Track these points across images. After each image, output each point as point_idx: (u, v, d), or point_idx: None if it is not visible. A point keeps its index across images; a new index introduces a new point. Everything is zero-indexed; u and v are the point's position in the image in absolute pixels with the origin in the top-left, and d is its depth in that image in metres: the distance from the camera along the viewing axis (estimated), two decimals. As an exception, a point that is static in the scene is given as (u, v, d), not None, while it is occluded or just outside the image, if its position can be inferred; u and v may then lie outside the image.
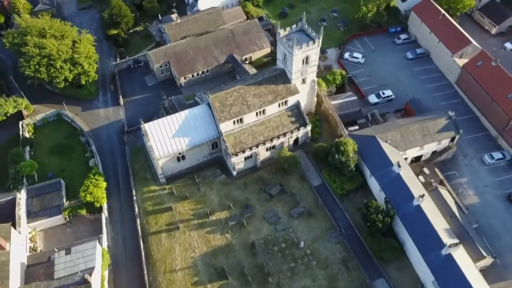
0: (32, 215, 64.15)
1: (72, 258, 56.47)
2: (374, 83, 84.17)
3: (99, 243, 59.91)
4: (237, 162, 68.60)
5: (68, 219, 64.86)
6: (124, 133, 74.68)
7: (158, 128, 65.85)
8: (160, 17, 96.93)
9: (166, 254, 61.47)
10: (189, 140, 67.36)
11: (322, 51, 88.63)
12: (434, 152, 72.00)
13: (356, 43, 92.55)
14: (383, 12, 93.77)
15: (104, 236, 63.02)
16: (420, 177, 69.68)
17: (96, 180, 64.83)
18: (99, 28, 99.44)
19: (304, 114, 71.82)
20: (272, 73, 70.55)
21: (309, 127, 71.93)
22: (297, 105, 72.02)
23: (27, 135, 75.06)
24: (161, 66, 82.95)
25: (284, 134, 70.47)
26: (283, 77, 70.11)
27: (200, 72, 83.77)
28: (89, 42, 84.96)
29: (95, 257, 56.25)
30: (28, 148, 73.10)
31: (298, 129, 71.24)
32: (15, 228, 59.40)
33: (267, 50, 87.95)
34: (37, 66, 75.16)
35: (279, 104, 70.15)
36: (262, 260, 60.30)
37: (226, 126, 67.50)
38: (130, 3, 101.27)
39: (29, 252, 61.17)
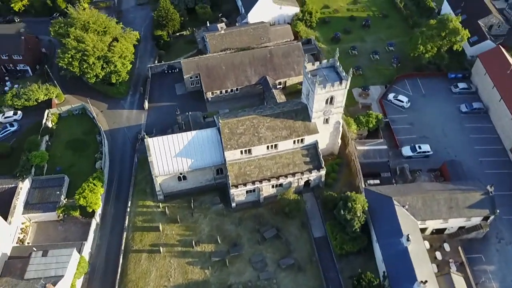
0: (29, 206, 65.22)
1: (46, 261, 56.36)
2: (414, 132, 75.42)
3: (79, 250, 59.44)
4: (237, 194, 64.61)
5: (61, 217, 65.12)
6: (138, 140, 73.66)
7: (162, 144, 63.73)
8: (208, 24, 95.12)
9: (141, 276, 59.37)
10: (192, 162, 64.54)
11: (365, 88, 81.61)
12: (461, 228, 62.60)
13: (406, 84, 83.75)
14: (444, 54, 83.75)
15: (89, 242, 62.43)
16: (438, 253, 61.00)
17: (94, 185, 64.35)
18: (150, 26, 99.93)
19: (321, 156, 65.85)
20: (293, 107, 65.41)
21: (323, 172, 65.86)
22: (314, 145, 66.24)
23: (50, 125, 76.88)
24: (191, 77, 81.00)
25: (294, 174, 65.12)
26: (303, 114, 64.67)
27: (229, 90, 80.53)
28: (130, 41, 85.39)
29: (67, 266, 55.54)
30: (47, 137, 74.81)
31: (311, 171, 65.45)
32: (6, 219, 60.62)
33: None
34: (70, 59, 76.56)
35: (295, 141, 64.89)
36: (235, 307, 56.14)
37: (232, 155, 63.73)
38: (183, 6, 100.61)
39: (16, 243, 62.19)
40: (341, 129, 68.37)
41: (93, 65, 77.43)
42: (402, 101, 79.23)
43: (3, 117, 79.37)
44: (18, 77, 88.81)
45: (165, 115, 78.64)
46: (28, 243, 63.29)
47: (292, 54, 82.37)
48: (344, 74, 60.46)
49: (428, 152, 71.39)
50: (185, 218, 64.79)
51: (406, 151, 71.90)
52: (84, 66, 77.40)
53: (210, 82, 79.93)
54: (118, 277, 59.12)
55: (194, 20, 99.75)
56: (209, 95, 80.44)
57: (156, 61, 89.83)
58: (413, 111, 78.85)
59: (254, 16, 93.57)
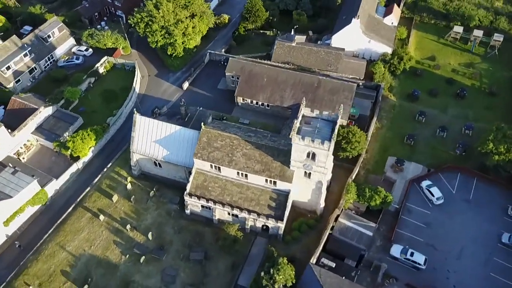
0: (40, 129, 73.45)
1: (10, 179, 63.63)
2: (424, 236, 61.86)
3: (44, 184, 65.41)
4: (192, 204, 62.63)
5: (56, 150, 72.00)
6: (153, 113, 76.07)
7: (147, 126, 64.76)
8: (292, 32, 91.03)
9: (74, 230, 62.78)
10: (167, 155, 64.46)
11: (399, 161, 69.39)
12: None
13: (456, 179, 68.29)
14: (520, 164, 65.68)
15: (60, 182, 68.17)
16: None
17: (88, 135, 69.34)
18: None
19: (288, 208, 59.25)
20: (279, 146, 59.47)
21: (281, 225, 59.26)
22: (286, 194, 59.67)
23: (101, 70, 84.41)
24: (232, 76, 79.50)
25: (251, 212, 60.07)
26: (285, 157, 58.36)
27: (260, 103, 76.84)
28: (206, 23, 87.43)
29: (20, 191, 61.83)
30: (92, 80, 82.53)
31: (268, 218, 59.50)
32: (11, 132, 69.65)
33: (342, 122, 73.58)
34: (139, 20, 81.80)
35: (267, 179, 59.37)
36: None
37: (201, 164, 61.60)
38: (283, 6, 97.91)
39: (14, 154, 71.15)
40: (324, 191, 60.03)
41: (155, 32, 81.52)
42: (434, 195, 65.24)
43: (76, 49, 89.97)
44: (113, 21, 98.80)
45: (196, 102, 78.87)
46: (23, 158, 71.92)
47: (341, 93, 74.01)
48: (333, 135, 51.97)
49: (419, 264, 58.08)
50: (139, 201, 65.72)
51: (395, 250, 59.67)
52: (147, 30, 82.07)
53: (245, 88, 77.30)
54: (58, 222, 63.48)
55: (287, 23, 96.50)
56: (240, 100, 78.10)
57: (223, 50, 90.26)
58: (440, 212, 64.43)
59: (338, 40, 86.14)
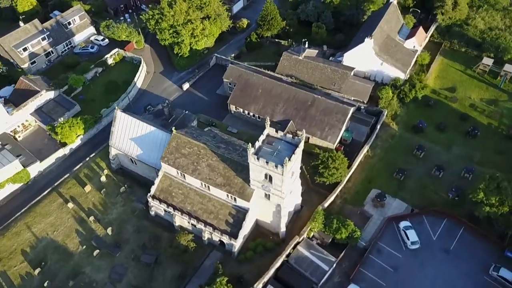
0: (38, 111, 76.69)
1: (-7, 154, 66.97)
2: (386, 279, 57.22)
3: (26, 165, 68.31)
4: (155, 206, 62.54)
5: (49, 133, 74.86)
6: (145, 110, 76.88)
7: (127, 122, 65.41)
8: (305, 44, 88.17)
9: (43, 213, 64.91)
10: (140, 154, 64.89)
11: (381, 196, 64.92)
12: None
13: (440, 225, 62.54)
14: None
15: (44, 164, 71.03)
16: None
17: (77, 123, 71.49)
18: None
19: (245, 227, 57.38)
20: (245, 161, 57.43)
21: (235, 243, 57.51)
22: (245, 212, 57.77)
23: (109, 61, 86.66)
24: (229, 83, 78.44)
25: (208, 225, 58.88)
26: (248, 174, 56.34)
27: (251, 114, 75.16)
28: (219, 26, 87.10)
29: (0, 168, 64.99)
30: (99, 69, 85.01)
31: (222, 234, 58.02)
32: (9, 111, 73.35)
33: (329, 145, 70.19)
34: (151, 16, 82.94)
35: (228, 194, 57.84)
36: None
37: (168, 169, 61.25)
38: (304, 17, 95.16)
39: (11, 131, 74.92)
40: (285, 215, 57.43)
41: (164, 30, 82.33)
42: (409, 239, 60.32)
43: (94, 38, 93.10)
44: (138, 14, 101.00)
45: (191, 105, 79.03)
46: (19, 136, 75.53)
47: (333, 115, 70.61)
48: (285, 161, 49.13)
49: (373, 313, 54.03)
50: (109, 195, 66.69)
51: (351, 290, 55.94)
52: (157, 27, 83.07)
53: (239, 97, 76.00)
54: (30, 203, 65.94)
55: (305, 35, 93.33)
56: (232, 107, 76.92)
57: (233, 55, 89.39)
58: (412, 258, 59.37)
59: (350, 59, 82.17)
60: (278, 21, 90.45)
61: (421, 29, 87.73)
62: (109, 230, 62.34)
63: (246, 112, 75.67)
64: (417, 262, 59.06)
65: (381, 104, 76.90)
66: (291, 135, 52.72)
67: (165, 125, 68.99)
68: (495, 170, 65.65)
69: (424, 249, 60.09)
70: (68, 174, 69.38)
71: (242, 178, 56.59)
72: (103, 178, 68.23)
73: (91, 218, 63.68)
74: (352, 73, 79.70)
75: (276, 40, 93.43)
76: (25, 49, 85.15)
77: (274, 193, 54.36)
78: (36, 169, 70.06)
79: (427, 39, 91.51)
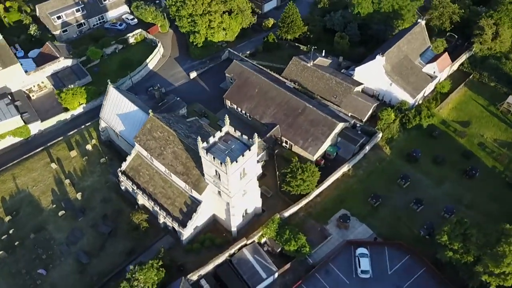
0: (54, 76, 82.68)
1: (0, 108, 73.19)
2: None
3: (27, 121, 74.09)
4: (124, 182, 65.20)
5: (57, 97, 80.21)
6: (147, 91, 79.83)
7: (115, 98, 68.54)
8: (321, 54, 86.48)
9: (30, 168, 69.97)
10: (122, 129, 67.94)
11: (345, 218, 62.73)
12: None
13: (400, 260, 59.13)
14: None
15: (45, 125, 76.57)
16: None
17: (80, 92, 76.25)
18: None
19: (193, 218, 58.21)
20: (206, 155, 58.23)
21: (183, 232, 58.62)
22: (198, 205, 58.62)
23: (131, 40, 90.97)
24: (231, 78, 79.22)
25: (162, 209, 60.54)
26: (206, 168, 57.10)
27: (243, 112, 75.47)
28: (239, 22, 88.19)
29: (2, 120, 71.20)
30: (119, 46, 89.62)
31: (173, 220, 59.37)
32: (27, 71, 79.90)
33: (309, 157, 68.67)
34: (173, 3, 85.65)
35: (185, 184, 59.01)
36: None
37: (140, 149, 63.55)
38: (330, 25, 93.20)
39: (26, 89, 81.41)
40: (236, 214, 57.50)
41: (183, 17, 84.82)
42: (360, 266, 57.79)
43: (125, 16, 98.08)
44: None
45: (194, 94, 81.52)
46: (33, 95, 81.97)
47: (320, 127, 68.98)
48: (226, 159, 48.91)
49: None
50: (90, 163, 70.52)
51: (283, 305, 54.84)
52: (177, 14, 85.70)
53: (235, 93, 76.61)
54: (22, 158, 71.50)
55: (327, 42, 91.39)
56: (228, 102, 77.72)
57: (248, 52, 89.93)
58: (359, 286, 56.89)
59: (361, 74, 79.63)
60: (299, 25, 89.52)
61: (445, 55, 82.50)
62: (79, 195, 66.06)
63: (239, 109, 76.10)
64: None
65: (379, 125, 73.78)
66: (245, 137, 52.40)
67: (155, 108, 71.65)
68: (483, 217, 61.34)
69: (374, 281, 57.33)
70: (61, 138, 74.26)
71: (200, 171, 57.32)
72: (89, 147, 72.24)
73: (67, 181, 67.82)
74: (356, 89, 77.09)
75: (296, 44, 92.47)
76: (59, 17, 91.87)
77: (223, 191, 54.62)
78: (36, 127, 75.72)
79: (454, 67, 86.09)
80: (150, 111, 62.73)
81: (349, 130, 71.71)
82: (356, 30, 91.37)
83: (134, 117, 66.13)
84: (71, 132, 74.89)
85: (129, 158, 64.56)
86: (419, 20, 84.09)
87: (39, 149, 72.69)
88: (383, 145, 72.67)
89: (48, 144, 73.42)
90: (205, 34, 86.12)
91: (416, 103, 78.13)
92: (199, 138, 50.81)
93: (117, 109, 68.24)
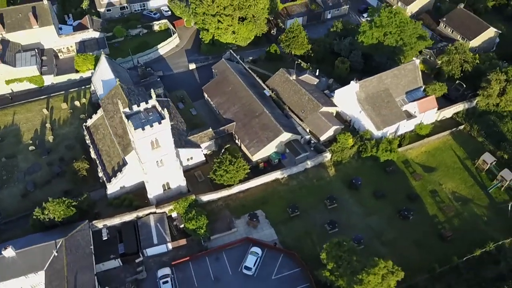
0: (81, 43, 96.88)
1: (25, 57, 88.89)
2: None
3: (43, 74, 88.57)
4: (86, 134, 74.86)
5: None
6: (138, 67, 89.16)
7: (104, 67, 79.13)
8: (312, 72, 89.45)
9: (28, 109, 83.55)
10: (101, 94, 77.95)
11: (253, 217, 65.64)
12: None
13: (290, 269, 60.31)
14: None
15: (57, 79, 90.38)
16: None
17: (90, 59, 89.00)
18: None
19: (118, 177, 65.85)
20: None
21: (108, 186, 66.46)
22: (124, 166, 65.97)
23: (156, 28, 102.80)
24: (215, 74, 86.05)
25: (100, 163, 69.08)
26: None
27: (214, 105, 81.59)
28: (250, 29, 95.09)
29: (22, 66, 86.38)
30: (144, 30, 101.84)
31: (103, 175, 67.47)
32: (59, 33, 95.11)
33: (249, 156, 72.31)
34: (193, 1, 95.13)
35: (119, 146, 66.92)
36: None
37: (103, 110, 73.10)
38: (337, 49, 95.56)
39: (56, 49, 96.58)
40: (147, 182, 63.89)
41: (198, 14, 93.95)
42: (245, 263, 60.27)
43: (162, 7, 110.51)
44: None
45: (185, 81, 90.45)
46: (60, 55, 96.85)
47: (267, 132, 72.56)
48: (129, 123, 55.84)
49: (161, 295, 57.02)
50: (73, 117, 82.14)
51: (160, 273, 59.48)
52: (194, 11, 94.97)
53: (212, 87, 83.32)
54: (28, 100, 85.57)
55: (329, 65, 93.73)
56: (205, 94, 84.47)
57: (250, 58, 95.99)
58: (240, 280, 59.33)
59: (339, 97, 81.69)
60: (302, 42, 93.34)
61: (431, 98, 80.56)
62: (51, 138, 77.51)
63: (212, 102, 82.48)
64: (240, 285, 58.93)
65: (332, 146, 74.74)
66: (166, 113, 58.51)
67: (137, 82, 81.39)
68: (394, 257, 59.49)
69: (255, 280, 59.43)
70: (62, 92, 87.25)
71: (133, 138, 64.81)
72: (77, 103, 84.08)
73: (49, 125, 79.88)
74: (325, 109, 78.82)
75: (299, 60, 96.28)
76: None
77: (138, 156, 61.38)
78: (50, 80, 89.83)
79: (447, 114, 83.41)
80: (117, 80, 72.09)
81: (297, 143, 73.92)
82: (360, 58, 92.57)
83: (111, 84, 75.94)
84: (71, 90, 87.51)
85: (95, 117, 74.45)
86: (413, 59, 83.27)
87: (43, 97, 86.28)
88: (329, 165, 73.55)
89: (51, 95, 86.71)
90: (213, 33, 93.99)
91: (383, 137, 77.34)
92: (119, 102, 58.40)
93: (102, 75, 78.87)
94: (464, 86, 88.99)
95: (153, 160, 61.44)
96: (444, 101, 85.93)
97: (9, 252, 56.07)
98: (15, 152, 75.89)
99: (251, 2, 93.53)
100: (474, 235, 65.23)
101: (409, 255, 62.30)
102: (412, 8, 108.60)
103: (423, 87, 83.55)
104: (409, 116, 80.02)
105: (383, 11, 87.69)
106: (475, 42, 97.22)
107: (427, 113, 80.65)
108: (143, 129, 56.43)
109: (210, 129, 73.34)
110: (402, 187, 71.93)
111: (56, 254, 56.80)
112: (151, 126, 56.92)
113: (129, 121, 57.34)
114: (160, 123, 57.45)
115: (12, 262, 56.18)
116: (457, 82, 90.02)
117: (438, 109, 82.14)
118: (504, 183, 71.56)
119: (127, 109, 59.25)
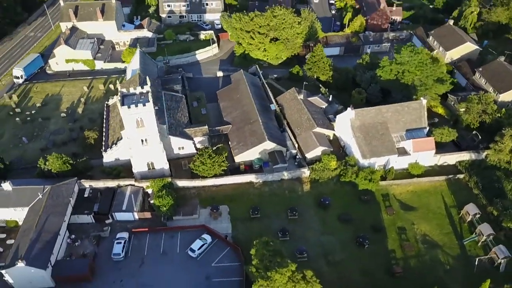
0: (135, 40, 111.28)
1: (82, 42, 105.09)
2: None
3: (94, 58, 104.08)
4: (105, 111, 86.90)
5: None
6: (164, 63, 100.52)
7: (136, 59, 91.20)
8: (325, 96, 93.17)
9: (74, 85, 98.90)
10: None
11: (215, 208, 71.17)
12: None
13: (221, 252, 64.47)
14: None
15: (107, 66, 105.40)
16: None
17: (133, 53, 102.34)
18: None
19: (114, 149, 75.55)
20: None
21: (104, 155, 76.61)
22: (120, 140, 75.64)
23: (201, 37, 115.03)
24: (232, 82, 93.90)
25: (106, 136, 79.93)
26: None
27: (221, 108, 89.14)
28: (276, 51, 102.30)
29: (79, 49, 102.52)
30: (190, 37, 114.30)
31: (104, 145, 77.95)
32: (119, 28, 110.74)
33: (234, 157, 77.98)
34: (236, 17, 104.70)
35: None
36: None
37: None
38: (358, 80, 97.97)
39: (115, 42, 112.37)
40: (131, 156, 72.67)
41: (235, 29, 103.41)
42: (193, 247, 65.65)
43: (215, 20, 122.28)
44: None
45: (208, 84, 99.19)
46: (117, 47, 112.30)
47: (253, 138, 77.85)
48: (116, 99, 65.27)
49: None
50: (105, 97, 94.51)
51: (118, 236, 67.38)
52: (233, 25, 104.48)
53: (225, 92, 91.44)
54: (77, 78, 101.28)
55: (347, 92, 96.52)
56: (219, 98, 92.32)
57: (275, 75, 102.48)
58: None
59: (339, 122, 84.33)
60: (324, 68, 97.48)
61: (430, 139, 79.40)
62: (80, 110, 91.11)
63: (221, 105, 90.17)
64: (182, 263, 64.35)
65: (315, 165, 77.38)
66: (151, 97, 67.37)
67: (160, 76, 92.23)
68: (336, 276, 61.69)
69: (197, 263, 64.34)
70: (106, 76, 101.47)
71: (132, 116, 74.52)
72: (111, 86, 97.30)
73: (83, 100, 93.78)
74: (318, 130, 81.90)
75: (320, 84, 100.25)
76: (168, 5, 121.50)
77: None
78: (100, 65, 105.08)
79: (451, 161, 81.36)
80: (137, 70, 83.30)
81: (279, 154, 77.72)
82: (377, 91, 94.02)
83: (134, 73, 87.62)
84: (113, 76, 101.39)
85: (115, 98, 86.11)
86: (421, 98, 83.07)
87: (89, 77, 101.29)
88: (306, 181, 76.30)
89: (96, 77, 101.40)
90: (245, 48, 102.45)
91: (369, 167, 77.98)
92: (118, 84, 68.46)
93: (133, 66, 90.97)
94: (480, 137, 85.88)
95: (138, 137, 70.17)
96: (453, 148, 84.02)
97: (7, 186, 68.14)
98: (50, 116, 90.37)
99: (286, 25, 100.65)
100: (427, 280, 63.21)
101: (349, 281, 62.62)
102: (453, 55, 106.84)
103: (428, 128, 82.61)
104: (404, 153, 79.66)
105: (405, 49, 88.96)
106: (506, 97, 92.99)
107: (423, 154, 79.62)
108: (129, 107, 65.64)
109: (206, 126, 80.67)
110: (370, 217, 72.03)
111: (40, 197, 67.55)
112: (136, 106, 65.97)
113: (122, 100, 66.99)
114: (144, 105, 66.27)
115: (7, 195, 68.10)
116: (473, 132, 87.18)
117: (442, 153, 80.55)
118: (481, 237, 68.24)
119: (124, 89, 69.17)
